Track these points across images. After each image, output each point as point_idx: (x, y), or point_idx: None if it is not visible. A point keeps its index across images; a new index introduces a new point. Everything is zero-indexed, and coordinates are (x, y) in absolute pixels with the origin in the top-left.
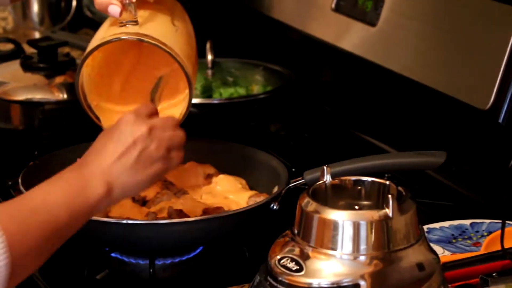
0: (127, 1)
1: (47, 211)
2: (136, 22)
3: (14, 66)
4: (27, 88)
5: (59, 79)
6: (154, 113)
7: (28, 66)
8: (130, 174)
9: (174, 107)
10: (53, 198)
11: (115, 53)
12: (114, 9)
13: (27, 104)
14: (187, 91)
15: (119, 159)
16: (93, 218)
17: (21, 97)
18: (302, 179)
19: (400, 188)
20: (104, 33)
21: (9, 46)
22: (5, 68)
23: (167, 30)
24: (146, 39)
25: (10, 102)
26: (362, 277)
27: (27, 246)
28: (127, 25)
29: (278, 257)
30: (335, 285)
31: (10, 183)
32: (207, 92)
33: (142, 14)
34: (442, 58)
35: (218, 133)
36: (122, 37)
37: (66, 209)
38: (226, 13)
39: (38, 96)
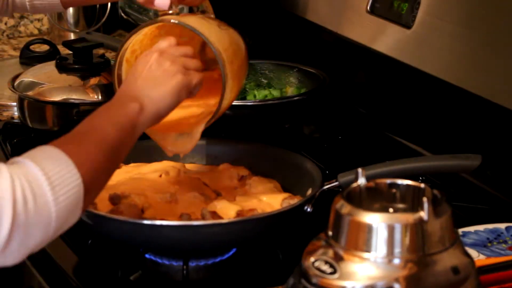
0: None
1: (97, 131)
2: (178, 14)
3: (50, 67)
4: (62, 89)
5: (94, 80)
6: (171, 46)
7: (63, 67)
8: (154, 88)
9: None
10: (101, 119)
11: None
12: (163, 1)
13: (62, 105)
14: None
15: (141, 81)
16: (127, 219)
17: (56, 98)
18: (336, 182)
19: (435, 191)
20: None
21: (45, 47)
22: (41, 69)
23: (210, 26)
24: (183, 22)
25: (46, 103)
26: (397, 280)
27: (91, 164)
28: (168, 15)
29: (312, 259)
30: None
31: None
32: (241, 94)
33: (188, 16)
34: (477, 60)
35: (252, 135)
36: (158, 20)
37: (115, 126)
38: (261, 15)
39: (73, 97)
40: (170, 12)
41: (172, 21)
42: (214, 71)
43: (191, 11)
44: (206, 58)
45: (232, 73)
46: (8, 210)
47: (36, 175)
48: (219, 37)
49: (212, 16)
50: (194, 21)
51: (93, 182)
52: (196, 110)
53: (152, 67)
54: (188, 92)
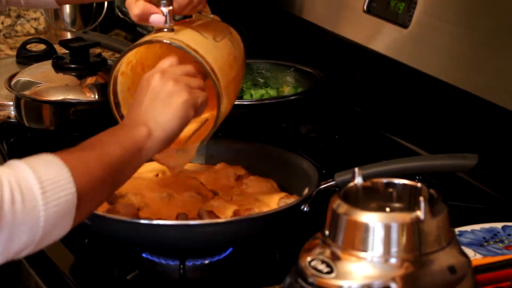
0: (166, 10)
1: (101, 148)
2: (172, 30)
3: (46, 66)
4: (58, 88)
5: (90, 80)
6: (173, 65)
7: (60, 66)
8: (160, 111)
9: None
10: (104, 138)
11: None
12: (158, 18)
13: (58, 105)
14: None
15: (146, 104)
16: (124, 218)
17: (52, 97)
18: (332, 181)
19: (431, 191)
20: (138, 40)
21: (41, 47)
22: (37, 69)
23: (204, 41)
24: (175, 43)
25: (42, 103)
26: (393, 279)
27: (89, 176)
28: (162, 32)
29: (309, 259)
30: None
31: None
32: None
33: (182, 29)
34: (475, 60)
35: (249, 135)
36: (153, 40)
37: (118, 146)
38: (257, 15)
39: (69, 96)
40: (165, 29)
41: (164, 41)
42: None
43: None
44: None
45: (227, 90)
46: None
47: (28, 177)
48: (215, 54)
49: (210, 16)
50: (189, 38)
51: (88, 195)
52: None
53: (155, 89)
54: (195, 111)
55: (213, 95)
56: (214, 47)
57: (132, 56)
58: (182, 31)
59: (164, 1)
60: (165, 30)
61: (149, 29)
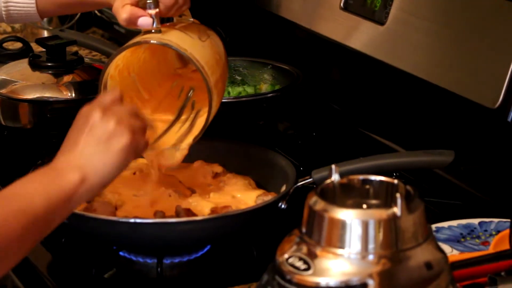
0: (153, 13)
1: (24, 199)
2: (159, 31)
3: (23, 65)
4: (35, 87)
5: (67, 78)
6: (115, 102)
7: (36, 65)
8: (98, 155)
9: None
10: (30, 186)
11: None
12: (146, 20)
13: (35, 103)
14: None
15: (83, 145)
16: (101, 216)
17: (29, 96)
18: (310, 178)
19: (408, 187)
20: (127, 43)
21: (18, 45)
22: (14, 67)
23: (191, 40)
24: (164, 42)
25: (19, 101)
26: (370, 276)
27: (6, 235)
28: (150, 33)
29: (286, 256)
30: (343, 284)
31: None
32: None
33: (169, 30)
34: (450, 56)
35: (226, 132)
36: (142, 41)
37: (43, 196)
38: (234, 12)
39: (46, 95)
40: (153, 30)
41: (152, 41)
42: (187, 68)
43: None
44: (184, 63)
45: (216, 88)
46: None
47: None
48: (202, 52)
49: (190, 19)
50: (177, 39)
51: (5, 251)
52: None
53: (95, 128)
54: (136, 155)
55: (203, 92)
56: (201, 46)
57: (120, 60)
58: (169, 32)
59: (151, 4)
60: (153, 31)
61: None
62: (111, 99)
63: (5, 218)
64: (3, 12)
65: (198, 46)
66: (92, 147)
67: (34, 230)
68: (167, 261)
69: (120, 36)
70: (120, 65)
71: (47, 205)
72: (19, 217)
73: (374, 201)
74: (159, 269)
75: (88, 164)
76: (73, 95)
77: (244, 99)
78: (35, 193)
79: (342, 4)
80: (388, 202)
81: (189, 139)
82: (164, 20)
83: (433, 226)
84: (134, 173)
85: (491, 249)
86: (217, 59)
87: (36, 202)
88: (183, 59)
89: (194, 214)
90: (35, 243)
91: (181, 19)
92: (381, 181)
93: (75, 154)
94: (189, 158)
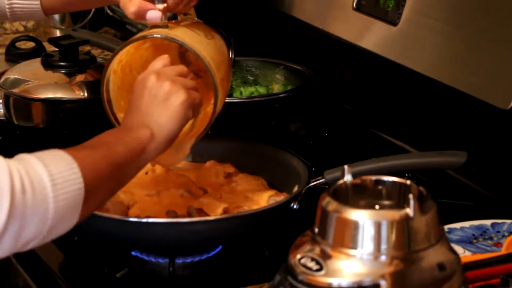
0: (161, 7)
1: (106, 146)
2: (166, 26)
3: (35, 64)
4: (48, 86)
5: (80, 78)
6: (166, 65)
7: (49, 64)
8: (161, 113)
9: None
10: (109, 138)
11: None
12: (155, 14)
13: (48, 102)
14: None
15: (146, 106)
16: (113, 216)
17: (42, 95)
18: (322, 179)
19: (421, 188)
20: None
21: (30, 44)
22: (26, 66)
23: (198, 37)
24: (171, 37)
25: (31, 100)
26: (383, 277)
27: (96, 172)
28: (157, 28)
29: (298, 256)
30: (355, 285)
31: None
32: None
33: (175, 26)
34: (463, 57)
35: (238, 132)
36: (148, 35)
37: (123, 145)
38: (247, 12)
39: (59, 94)
40: (160, 25)
41: (159, 36)
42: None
43: (175, 15)
44: (185, 64)
45: (222, 87)
46: (6, 199)
47: (38, 169)
48: (208, 49)
49: (195, 19)
50: (184, 34)
51: (95, 190)
52: None
53: (152, 91)
54: (193, 111)
55: (205, 93)
56: (207, 43)
57: (123, 55)
58: (175, 28)
59: None
60: (160, 26)
61: (139, 27)
62: (162, 63)
63: (94, 162)
64: (7, 10)
65: (204, 43)
66: (154, 106)
67: (116, 175)
68: (179, 261)
69: (133, 35)
70: (123, 61)
71: (127, 154)
72: (105, 161)
73: (386, 202)
74: (171, 269)
75: (154, 122)
76: (86, 94)
77: (256, 99)
78: (117, 143)
79: (354, 5)
80: (401, 203)
81: (191, 139)
82: (169, 18)
83: (446, 227)
84: (147, 173)
85: (503, 251)
86: (222, 57)
87: (118, 150)
88: (185, 59)
89: (206, 214)
90: (115, 190)
91: (186, 18)
92: (393, 182)
93: (139, 115)
94: (201, 158)
